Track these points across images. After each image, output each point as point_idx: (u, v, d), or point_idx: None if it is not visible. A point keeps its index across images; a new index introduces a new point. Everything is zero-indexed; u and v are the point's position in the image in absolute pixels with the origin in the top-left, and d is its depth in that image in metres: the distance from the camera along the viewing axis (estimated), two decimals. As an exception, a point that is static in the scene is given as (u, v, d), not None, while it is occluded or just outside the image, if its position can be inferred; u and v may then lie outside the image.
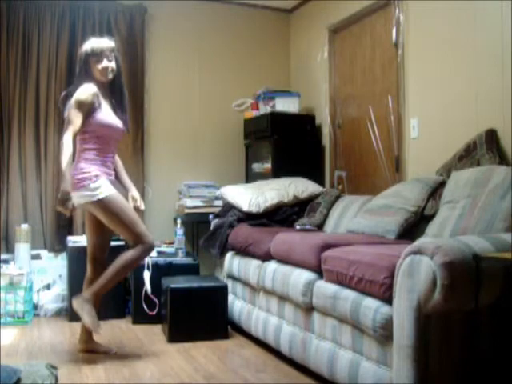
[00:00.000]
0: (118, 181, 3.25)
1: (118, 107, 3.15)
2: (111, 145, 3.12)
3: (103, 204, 2.96)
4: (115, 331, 3.69)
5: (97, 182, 2.96)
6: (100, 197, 2.95)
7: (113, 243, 4.05)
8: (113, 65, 3.08)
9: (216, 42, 5.03)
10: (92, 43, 3.06)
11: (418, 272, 2.02)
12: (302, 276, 2.80)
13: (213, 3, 5.00)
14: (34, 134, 4.36)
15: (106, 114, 3.05)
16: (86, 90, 2.96)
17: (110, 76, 3.09)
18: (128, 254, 3.04)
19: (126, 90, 3.28)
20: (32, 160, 4.34)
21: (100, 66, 3.03)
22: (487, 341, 2.10)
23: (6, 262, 4.02)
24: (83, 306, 2.99)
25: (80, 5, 4.47)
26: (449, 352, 2.06)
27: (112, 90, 3.16)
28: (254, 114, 4.76)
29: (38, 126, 4.37)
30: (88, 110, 2.96)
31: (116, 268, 3.00)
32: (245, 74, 5.09)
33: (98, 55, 3.03)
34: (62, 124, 4.38)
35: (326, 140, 4.63)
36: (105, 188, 2.97)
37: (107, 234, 3.19)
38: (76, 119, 2.91)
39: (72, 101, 2.96)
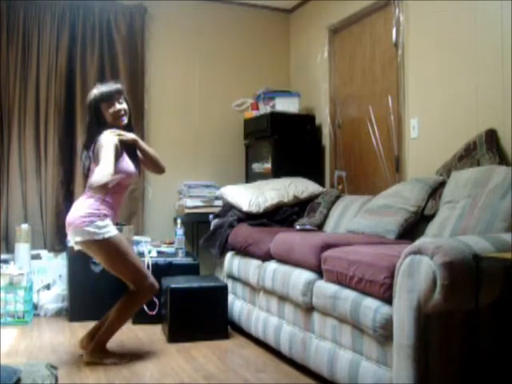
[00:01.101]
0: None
1: (130, 151, 3.05)
2: (123, 191, 3.08)
3: (108, 243, 2.88)
4: (115, 331, 3.69)
5: (105, 221, 2.89)
6: (106, 236, 2.86)
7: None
8: (125, 107, 3.02)
9: (216, 41, 5.02)
10: (100, 88, 2.98)
11: (418, 272, 2.02)
12: (302, 276, 2.80)
13: (213, 3, 5.00)
14: (34, 134, 4.36)
15: (128, 163, 2.99)
16: (112, 136, 2.90)
17: (125, 120, 3.03)
18: (131, 298, 3.02)
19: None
20: (32, 160, 4.34)
21: (112, 110, 2.96)
22: (487, 341, 2.10)
23: (6, 261, 4.02)
24: (103, 361, 2.96)
25: (80, 5, 4.47)
26: (449, 352, 2.06)
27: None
28: (254, 113, 4.76)
29: (38, 126, 4.37)
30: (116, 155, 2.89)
31: (117, 314, 3.01)
32: (245, 74, 5.09)
33: (108, 99, 2.95)
34: (61, 124, 4.43)
35: (326, 140, 4.63)
36: (112, 228, 2.91)
37: None
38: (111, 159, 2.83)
39: (102, 144, 2.86)
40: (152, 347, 3.29)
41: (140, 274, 2.99)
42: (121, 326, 3.04)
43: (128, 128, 3.07)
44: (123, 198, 3.14)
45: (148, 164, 3.24)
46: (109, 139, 2.87)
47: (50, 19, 4.38)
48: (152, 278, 3.04)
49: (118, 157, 2.90)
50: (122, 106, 3.00)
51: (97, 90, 2.98)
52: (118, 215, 3.16)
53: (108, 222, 2.90)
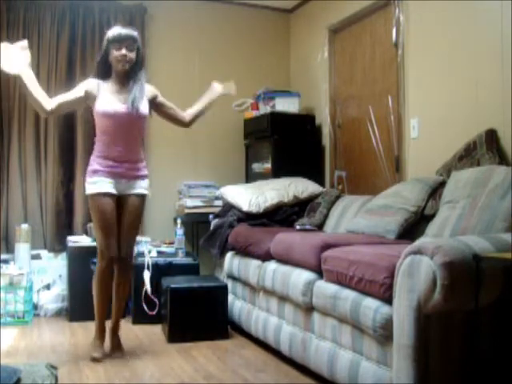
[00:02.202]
0: (201, 113, 3.31)
1: (137, 93, 3.02)
2: (117, 134, 3.00)
3: (89, 200, 3.03)
4: (115, 331, 3.69)
5: (92, 178, 3.00)
6: (87, 192, 3.01)
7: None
8: (132, 55, 2.99)
9: (216, 42, 5.02)
10: (114, 30, 2.99)
11: (418, 272, 2.02)
12: (302, 276, 2.80)
13: (213, 3, 5.00)
14: (34, 134, 4.36)
15: (104, 103, 2.97)
16: (86, 81, 3.05)
17: (127, 66, 3.00)
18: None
19: (143, 80, 3.09)
20: (32, 160, 4.34)
21: (115, 54, 2.96)
22: (487, 341, 2.10)
23: (6, 261, 4.02)
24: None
25: (80, 5, 4.47)
26: (449, 352, 2.06)
27: (134, 80, 3.04)
28: (253, 113, 4.76)
29: (38, 126, 4.37)
30: (82, 98, 3.00)
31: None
32: (245, 74, 5.09)
33: (117, 42, 2.95)
34: (61, 124, 4.43)
35: (326, 140, 4.63)
36: (93, 186, 2.98)
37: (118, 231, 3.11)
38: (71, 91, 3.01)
39: None
40: (152, 347, 3.29)
41: (101, 240, 3.02)
42: (95, 298, 3.10)
43: (131, 76, 3.03)
44: (127, 138, 3.02)
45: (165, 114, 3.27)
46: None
47: (50, 19, 4.38)
48: (107, 254, 3.01)
49: (93, 102, 2.99)
50: (128, 52, 2.96)
51: (111, 31, 3.00)
52: (125, 159, 3.03)
53: (94, 178, 2.98)
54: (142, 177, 3.13)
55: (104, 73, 3.05)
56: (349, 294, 2.43)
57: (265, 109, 4.63)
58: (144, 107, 3.05)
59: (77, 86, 3.07)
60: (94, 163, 3.01)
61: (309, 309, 2.76)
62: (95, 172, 2.99)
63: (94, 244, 4.00)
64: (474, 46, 3.13)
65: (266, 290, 3.22)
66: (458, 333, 2.07)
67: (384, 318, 2.18)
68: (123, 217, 3.08)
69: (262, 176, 4.56)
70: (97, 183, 2.98)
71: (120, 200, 3.07)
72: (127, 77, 3.03)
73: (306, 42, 4.98)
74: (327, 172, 4.63)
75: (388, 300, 2.19)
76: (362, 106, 4.22)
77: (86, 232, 4.33)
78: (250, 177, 4.84)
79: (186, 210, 4.54)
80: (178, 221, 4.22)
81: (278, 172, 4.41)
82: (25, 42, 2.86)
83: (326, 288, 2.61)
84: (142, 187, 3.12)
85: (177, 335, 3.39)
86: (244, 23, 5.13)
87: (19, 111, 4.31)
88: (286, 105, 4.59)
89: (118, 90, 3.02)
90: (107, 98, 2.99)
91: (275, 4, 5.12)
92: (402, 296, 2.07)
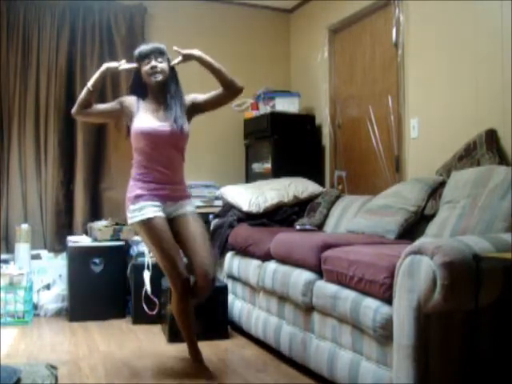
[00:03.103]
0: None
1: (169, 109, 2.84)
2: (157, 153, 2.79)
3: (139, 228, 2.77)
4: (115, 331, 3.69)
5: (136, 205, 2.75)
6: (136, 220, 2.75)
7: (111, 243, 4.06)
8: (162, 66, 2.82)
9: (216, 41, 5.02)
10: (140, 48, 2.90)
11: (418, 272, 2.02)
12: (302, 276, 2.80)
13: (213, 3, 5.00)
14: (34, 134, 4.36)
15: (140, 122, 2.79)
16: (124, 97, 2.93)
17: (159, 78, 2.81)
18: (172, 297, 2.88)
19: (181, 94, 2.92)
20: (32, 160, 4.34)
21: (147, 67, 2.81)
22: (487, 341, 2.10)
23: (6, 261, 4.02)
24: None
25: (80, 5, 4.47)
26: (449, 352, 2.06)
27: (169, 96, 2.86)
28: (254, 114, 4.76)
29: (38, 126, 4.37)
30: (119, 111, 2.87)
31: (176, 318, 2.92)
32: (245, 74, 5.07)
33: (146, 57, 2.82)
34: (61, 124, 4.42)
35: (326, 140, 4.63)
36: (143, 212, 2.73)
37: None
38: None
39: None
40: (152, 347, 3.29)
41: (169, 270, 2.75)
42: (182, 326, 2.92)
43: (167, 91, 2.85)
44: (170, 156, 2.82)
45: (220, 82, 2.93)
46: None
47: (50, 19, 4.38)
48: (182, 278, 2.74)
49: (122, 113, 2.86)
50: (159, 64, 2.81)
51: (137, 50, 2.89)
52: (171, 179, 2.82)
53: (139, 205, 2.74)
54: (188, 197, 2.93)
55: (140, 94, 2.88)
56: (349, 294, 2.43)
57: (265, 109, 4.63)
58: (186, 124, 2.86)
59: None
60: (135, 188, 2.79)
61: (309, 309, 2.76)
62: (138, 197, 2.76)
63: (94, 244, 4.05)
64: (473, 46, 3.13)
65: (266, 290, 3.22)
66: (458, 333, 2.07)
67: (384, 318, 2.18)
68: (185, 238, 2.81)
69: (262, 176, 4.56)
70: (143, 209, 2.74)
71: (172, 224, 2.81)
72: (163, 92, 2.85)
73: (306, 42, 4.98)
74: (327, 172, 4.63)
75: (388, 300, 2.19)
76: (361, 105, 4.22)
77: (86, 232, 4.34)
78: (250, 177, 4.84)
79: (186, 210, 4.53)
80: (178, 221, 4.22)
81: (277, 172, 4.41)
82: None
83: (325, 288, 2.61)
84: (191, 205, 2.91)
85: (177, 335, 3.37)
86: (244, 23, 5.13)
87: (19, 111, 4.31)
88: (286, 105, 4.59)
89: (156, 108, 2.84)
90: (145, 116, 2.80)
91: (275, 4, 5.12)
92: (402, 296, 2.07)
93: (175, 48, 2.90)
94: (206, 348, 3.25)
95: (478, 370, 2.05)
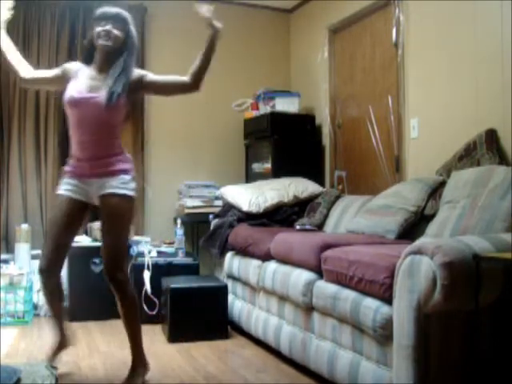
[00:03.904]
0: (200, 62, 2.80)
1: (112, 80, 2.55)
2: (82, 125, 2.54)
3: None
4: (115, 331, 3.68)
5: (63, 179, 2.66)
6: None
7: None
8: (116, 33, 2.55)
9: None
10: (101, 9, 2.60)
11: (417, 272, 2.02)
12: (302, 276, 2.80)
13: (213, 3, 4.99)
14: (34, 134, 4.36)
15: (70, 89, 2.54)
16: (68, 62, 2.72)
17: (109, 43, 2.53)
18: None
19: (130, 64, 2.62)
20: (32, 160, 4.34)
21: (99, 28, 2.53)
22: (487, 341, 2.10)
23: (6, 261, 4.02)
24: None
25: (80, 5, 4.46)
26: (449, 352, 2.06)
27: (116, 64, 2.58)
28: (254, 113, 4.76)
29: (38, 126, 4.37)
30: (58, 76, 2.66)
31: None
32: (245, 74, 5.09)
33: (102, 19, 2.55)
34: (61, 124, 4.42)
35: (326, 140, 4.63)
36: (60, 187, 2.62)
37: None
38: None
39: None
40: (152, 347, 3.29)
41: (44, 245, 2.64)
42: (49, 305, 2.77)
43: (113, 60, 2.58)
44: (85, 136, 2.54)
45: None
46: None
47: (50, 19, 4.38)
48: (44, 260, 2.56)
49: (60, 77, 2.63)
50: (113, 29, 2.54)
51: (97, 11, 2.61)
52: (93, 156, 2.56)
53: (63, 180, 2.63)
54: (115, 172, 2.56)
55: (89, 56, 2.64)
56: (349, 294, 2.43)
57: (265, 109, 4.63)
58: (122, 99, 2.54)
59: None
60: (68, 163, 2.67)
61: (309, 309, 2.76)
62: (65, 173, 2.66)
63: (94, 244, 4.05)
64: (473, 46, 3.13)
65: (266, 290, 3.22)
66: (458, 333, 2.07)
67: (384, 318, 2.18)
68: (102, 227, 2.63)
69: (262, 176, 4.56)
70: (62, 183, 2.63)
71: (100, 203, 2.59)
72: (109, 61, 2.58)
73: (306, 41, 4.98)
74: (327, 172, 4.63)
75: (388, 300, 2.19)
76: (361, 105, 4.22)
77: (85, 232, 4.33)
78: (250, 177, 4.84)
79: (186, 210, 4.54)
80: (178, 221, 4.22)
81: (278, 172, 4.41)
82: (10, 3, 2.76)
83: (325, 288, 2.61)
84: (117, 182, 2.54)
85: (177, 335, 3.39)
86: (244, 23, 5.12)
87: (19, 111, 4.31)
88: (286, 105, 4.59)
89: (95, 77, 2.57)
90: (78, 84, 2.55)
91: (275, 4, 5.12)
92: (402, 296, 2.07)
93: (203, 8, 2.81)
94: (206, 348, 3.26)
95: (478, 370, 2.05)
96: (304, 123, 4.61)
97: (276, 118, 4.48)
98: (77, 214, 2.62)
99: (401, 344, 2.06)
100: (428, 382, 2.03)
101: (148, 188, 4.71)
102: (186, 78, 2.79)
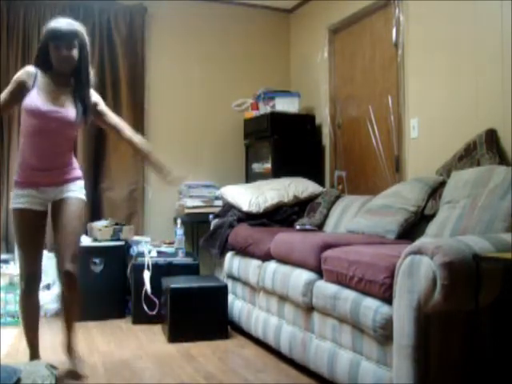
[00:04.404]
0: (130, 145, 2.90)
1: (77, 98, 2.64)
2: (42, 137, 2.58)
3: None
4: (115, 331, 3.69)
5: (13, 191, 2.68)
6: (11, 207, 2.69)
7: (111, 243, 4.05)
8: (74, 54, 2.57)
9: (216, 41, 5.02)
10: (54, 24, 2.57)
11: (417, 272, 2.02)
12: (302, 276, 2.80)
13: (213, 3, 5.00)
14: (34, 134, 4.36)
15: (32, 99, 2.54)
16: (23, 69, 2.64)
17: (69, 67, 2.59)
18: None
19: (92, 80, 2.71)
20: (32, 160, 4.34)
21: (57, 53, 2.54)
22: (487, 341, 2.10)
23: (5, 262, 4.02)
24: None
25: (80, 5, 4.47)
26: (449, 352, 2.06)
27: (76, 81, 2.65)
28: (254, 114, 4.76)
29: (38, 126, 4.36)
30: (19, 91, 2.57)
31: None
32: (245, 74, 5.09)
33: (58, 39, 2.53)
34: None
35: (326, 140, 4.63)
36: (14, 201, 2.65)
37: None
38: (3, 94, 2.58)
39: None
40: (152, 347, 3.29)
41: (20, 260, 2.71)
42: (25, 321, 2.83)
43: (77, 76, 2.64)
44: (46, 146, 2.61)
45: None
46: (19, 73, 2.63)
47: (50, 19, 4.37)
48: (23, 272, 2.68)
49: (22, 90, 2.57)
50: (68, 52, 2.55)
51: (50, 25, 2.57)
52: (50, 166, 2.64)
53: (14, 192, 2.65)
54: (73, 179, 2.72)
55: (45, 63, 2.61)
56: (349, 294, 2.43)
57: (265, 109, 4.63)
58: (87, 117, 2.69)
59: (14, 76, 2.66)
60: (18, 171, 2.67)
61: (309, 309, 2.76)
62: (16, 184, 2.67)
63: (94, 244, 4.05)
64: (474, 46, 3.13)
65: (266, 290, 3.22)
66: (458, 333, 2.07)
67: (384, 318, 2.18)
68: (55, 226, 2.70)
69: (262, 176, 4.56)
70: (14, 197, 2.65)
71: (53, 208, 2.70)
72: (68, 75, 2.64)
73: (306, 42, 4.98)
74: (327, 172, 4.63)
75: (388, 300, 2.19)
76: (362, 105, 4.21)
77: (85, 232, 4.33)
78: (250, 177, 4.84)
79: (186, 210, 4.54)
80: (178, 221, 4.22)
81: (278, 172, 4.41)
82: None
83: (326, 288, 2.61)
84: (74, 187, 2.70)
85: (177, 335, 3.39)
86: (244, 23, 5.12)
87: (19, 112, 4.30)
88: (286, 105, 4.59)
89: (56, 89, 2.61)
90: (40, 95, 2.57)
91: (275, 4, 5.12)
92: (402, 296, 2.07)
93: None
94: (206, 348, 3.26)
95: (478, 370, 2.05)
96: (304, 123, 4.61)
97: (276, 117, 4.48)
98: (40, 223, 2.70)
99: (401, 344, 2.06)
100: (428, 382, 2.03)
101: (148, 188, 4.71)
102: (125, 132, 2.88)
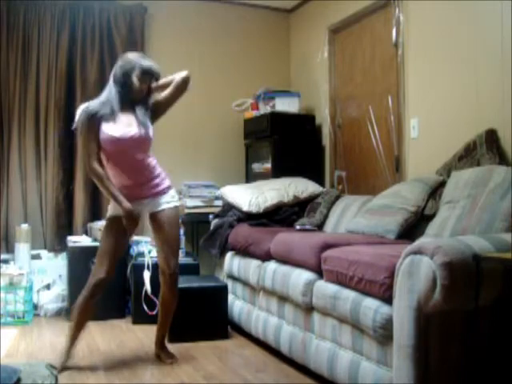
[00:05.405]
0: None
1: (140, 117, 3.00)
2: (122, 160, 2.90)
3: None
4: (115, 331, 3.69)
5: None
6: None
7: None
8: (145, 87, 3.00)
9: (216, 41, 5.03)
10: (142, 62, 2.96)
11: (417, 272, 2.02)
12: (302, 276, 2.80)
13: (213, 3, 5.00)
14: (34, 134, 4.36)
15: (108, 129, 2.85)
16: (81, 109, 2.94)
17: (140, 97, 3.00)
18: None
19: (149, 104, 3.13)
20: (32, 160, 4.34)
21: (143, 86, 2.96)
22: (487, 341, 2.10)
23: (6, 261, 4.02)
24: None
25: (80, 5, 4.47)
26: (449, 352, 2.06)
27: (138, 104, 3.03)
28: (253, 114, 4.76)
29: (38, 126, 4.37)
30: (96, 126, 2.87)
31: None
32: (245, 74, 5.09)
33: (147, 74, 2.97)
34: (61, 124, 4.42)
35: (326, 140, 4.63)
36: (109, 209, 2.98)
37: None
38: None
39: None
40: (152, 347, 3.29)
41: (97, 262, 2.91)
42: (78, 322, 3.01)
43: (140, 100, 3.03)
44: (129, 168, 2.92)
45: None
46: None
47: (50, 19, 4.38)
48: (94, 278, 2.87)
49: (93, 135, 2.86)
50: (146, 85, 2.99)
51: (142, 62, 2.95)
52: (136, 186, 2.94)
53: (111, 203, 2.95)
54: (163, 192, 3.01)
55: (125, 100, 2.95)
56: (349, 294, 2.43)
57: (265, 109, 4.63)
58: (151, 129, 3.06)
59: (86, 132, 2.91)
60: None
61: (309, 309, 2.76)
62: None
63: (94, 244, 4.04)
64: (474, 46, 3.13)
65: (266, 290, 3.22)
66: (458, 333, 2.07)
67: (384, 318, 2.18)
68: (156, 236, 3.03)
69: (262, 176, 4.56)
70: (110, 206, 2.98)
71: (151, 219, 3.01)
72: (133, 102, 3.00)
73: (306, 41, 4.98)
74: (327, 172, 4.63)
75: (388, 300, 2.19)
76: (362, 105, 4.22)
77: (85, 232, 4.33)
78: (249, 177, 4.84)
79: (186, 210, 4.54)
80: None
81: (277, 172, 4.41)
82: None
83: (326, 288, 2.61)
84: (167, 198, 3.01)
85: (177, 335, 3.39)
86: (244, 23, 5.13)
87: (19, 111, 4.31)
88: (286, 105, 4.59)
89: (125, 114, 2.95)
90: (115, 123, 2.89)
91: (275, 4, 5.12)
92: (402, 296, 2.07)
93: None
94: (206, 348, 3.26)
95: (478, 370, 2.05)
96: (304, 123, 4.61)
97: (276, 117, 4.48)
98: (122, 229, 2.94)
99: (401, 344, 2.06)
100: (428, 382, 2.03)
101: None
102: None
